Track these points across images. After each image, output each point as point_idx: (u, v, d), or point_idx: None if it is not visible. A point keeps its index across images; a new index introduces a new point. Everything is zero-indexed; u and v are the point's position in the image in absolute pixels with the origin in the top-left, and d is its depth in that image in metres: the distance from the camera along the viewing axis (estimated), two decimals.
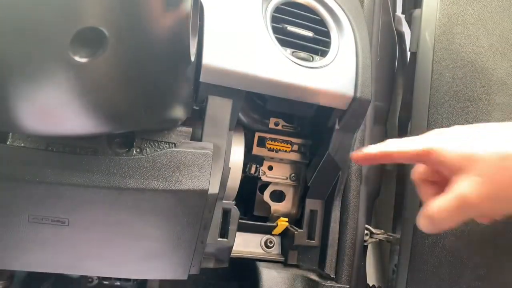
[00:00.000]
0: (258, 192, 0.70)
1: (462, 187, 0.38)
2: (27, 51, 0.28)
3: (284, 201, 0.70)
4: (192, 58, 0.44)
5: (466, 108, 0.64)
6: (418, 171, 0.47)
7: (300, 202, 0.69)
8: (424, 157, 0.42)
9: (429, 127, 0.64)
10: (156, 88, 0.39)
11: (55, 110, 0.33)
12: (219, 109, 0.52)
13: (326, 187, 0.65)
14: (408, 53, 0.77)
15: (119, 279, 0.76)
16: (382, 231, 0.70)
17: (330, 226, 0.66)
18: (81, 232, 0.48)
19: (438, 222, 0.40)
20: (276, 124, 0.68)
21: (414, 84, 0.67)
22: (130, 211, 0.47)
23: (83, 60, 0.29)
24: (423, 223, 0.41)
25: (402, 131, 0.75)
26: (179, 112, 0.48)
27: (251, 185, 0.69)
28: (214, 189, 0.49)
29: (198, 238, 0.52)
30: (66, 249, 0.50)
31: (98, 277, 0.76)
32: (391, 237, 0.70)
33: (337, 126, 0.60)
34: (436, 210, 0.39)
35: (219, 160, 0.51)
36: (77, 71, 0.30)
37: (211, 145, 0.49)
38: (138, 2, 0.31)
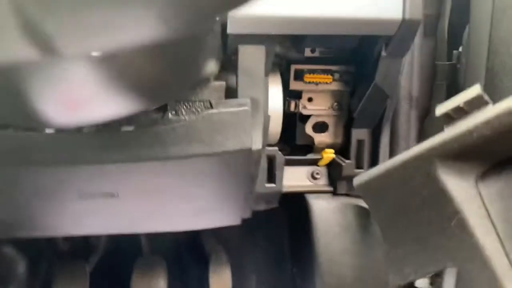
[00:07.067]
0: (299, 124, 0.68)
1: None
2: None
3: (327, 132, 0.67)
4: None
5: None
6: None
7: (345, 131, 0.66)
8: None
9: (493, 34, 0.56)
10: (184, 56, 0.35)
11: (89, 100, 0.30)
12: (252, 59, 0.47)
13: (374, 116, 0.61)
14: None
15: None
16: None
17: (379, 154, 0.63)
18: (132, 200, 0.48)
19: None
20: (313, 51, 0.62)
21: None
22: (176, 178, 0.46)
23: None
24: None
25: (454, 40, 0.67)
26: (209, 69, 0.44)
27: (291, 119, 0.66)
28: (257, 144, 0.47)
29: (246, 190, 0.51)
30: (120, 214, 0.51)
31: None
32: None
33: (383, 53, 0.54)
34: None
35: (258, 113, 0.48)
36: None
37: (248, 101, 0.46)
38: None
